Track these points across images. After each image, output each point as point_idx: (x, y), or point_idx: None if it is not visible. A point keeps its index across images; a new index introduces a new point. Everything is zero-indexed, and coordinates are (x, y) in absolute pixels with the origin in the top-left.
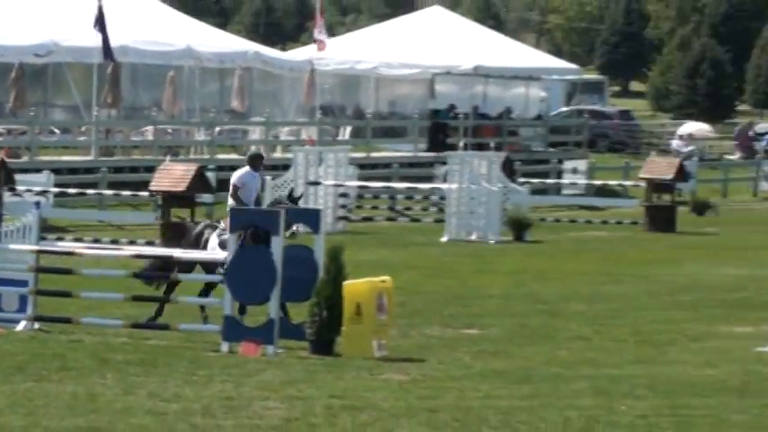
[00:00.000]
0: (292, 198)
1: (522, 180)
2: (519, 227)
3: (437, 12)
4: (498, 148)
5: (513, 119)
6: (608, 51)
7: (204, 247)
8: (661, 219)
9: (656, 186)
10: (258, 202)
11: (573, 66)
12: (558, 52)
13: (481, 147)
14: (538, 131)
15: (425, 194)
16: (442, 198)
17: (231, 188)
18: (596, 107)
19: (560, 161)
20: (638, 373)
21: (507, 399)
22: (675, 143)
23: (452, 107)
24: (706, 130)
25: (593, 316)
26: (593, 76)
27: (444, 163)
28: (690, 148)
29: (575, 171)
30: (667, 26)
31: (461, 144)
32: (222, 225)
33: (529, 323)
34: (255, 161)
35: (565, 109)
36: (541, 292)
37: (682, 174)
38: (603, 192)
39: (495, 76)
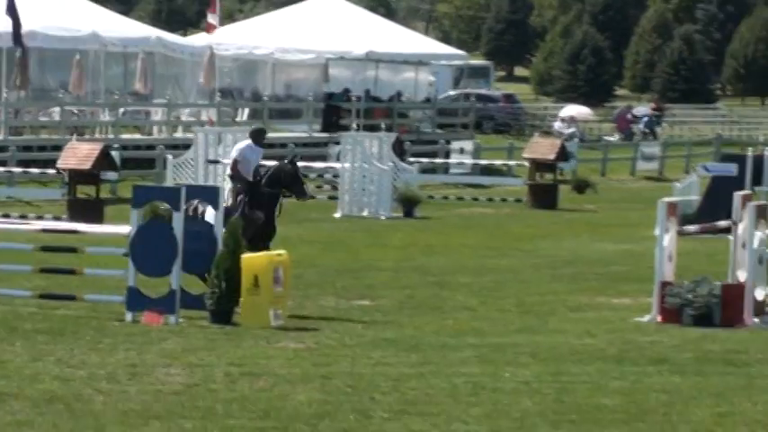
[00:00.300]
0: (293, 162)
1: (411, 159)
2: (409, 204)
3: (331, 0)
4: (389, 129)
5: (404, 102)
6: (494, 38)
7: (202, 219)
8: (543, 196)
9: (539, 166)
10: (257, 173)
11: (460, 52)
12: (446, 39)
13: (373, 128)
14: (427, 114)
15: (320, 173)
16: (336, 176)
17: (231, 162)
18: (482, 91)
19: (448, 142)
20: (522, 342)
21: (397, 366)
22: (557, 125)
23: (347, 91)
24: (586, 112)
25: (478, 288)
26: (479, 61)
27: (338, 143)
28: (571, 129)
29: (462, 151)
30: (550, 14)
31: (354, 125)
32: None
33: (418, 294)
34: (259, 136)
35: (452, 93)
36: (430, 265)
37: (563, 154)
38: (489, 171)
39: (387, 62)
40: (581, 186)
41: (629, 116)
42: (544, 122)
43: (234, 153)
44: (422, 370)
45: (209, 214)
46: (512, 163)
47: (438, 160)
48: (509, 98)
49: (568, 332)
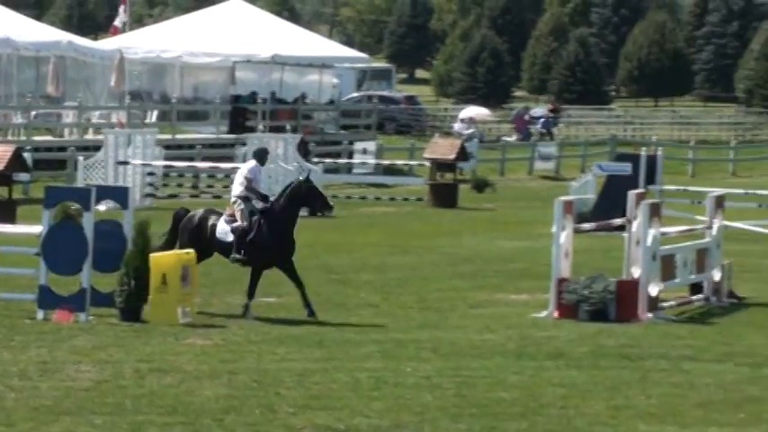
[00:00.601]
0: (308, 179)
1: (315, 160)
2: None
3: (237, 4)
4: (294, 130)
5: (308, 104)
6: (396, 42)
7: (212, 233)
8: (444, 195)
9: (440, 166)
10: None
11: (363, 55)
12: (349, 42)
13: (278, 129)
14: (330, 115)
15: (226, 173)
16: None
17: (245, 181)
18: (384, 93)
19: (351, 142)
20: (423, 338)
21: (302, 362)
22: (457, 126)
23: (254, 94)
24: (485, 113)
25: (381, 285)
26: (381, 64)
27: (244, 144)
28: (470, 130)
29: (365, 152)
30: (450, 19)
31: (260, 127)
32: (228, 211)
33: (322, 292)
34: (264, 156)
35: (355, 94)
36: (334, 263)
37: (463, 154)
38: (391, 171)
39: (292, 64)
40: (480, 185)
41: (526, 117)
42: (444, 123)
43: (246, 173)
44: (326, 365)
45: (222, 227)
46: (413, 163)
47: (341, 160)
48: (410, 100)
49: (468, 328)
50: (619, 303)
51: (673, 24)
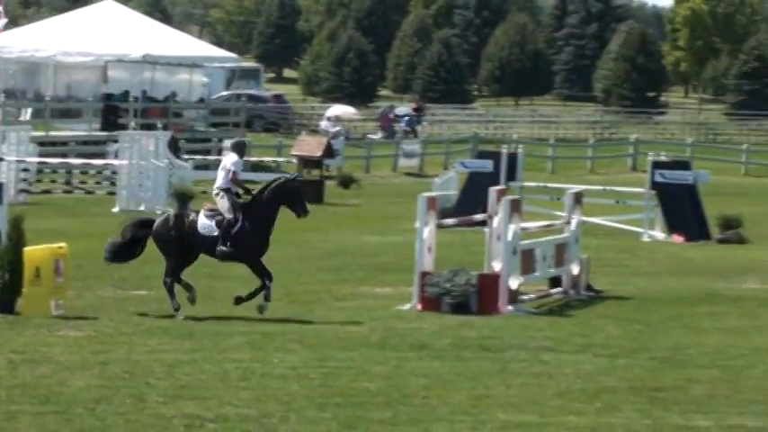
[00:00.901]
0: (296, 180)
1: (186, 156)
2: (183, 198)
3: (110, 5)
4: (165, 128)
5: (179, 102)
6: (264, 42)
7: (192, 230)
8: (311, 191)
9: (307, 162)
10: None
11: (232, 55)
12: (219, 42)
13: (149, 127)
14: (200, 113)
15: (99, 169)
16: (114, 173)
17: (232, 174)
18: (253, 92)
19: (221, 140)
20: (290, 330)
21: (172, 353)
22: (324, 124)
23: (126, 92)
24: (351, 112)
25: (249, 278)
26: (250, 64)
27: (116, 141)
28: (337, 128)
29: None
30: (317, 20)
31: (132, 124)
32: (208, 206)
33: (192, 284)
34: (242, 149)
35: (225, 93)
36: (203, 257)
37: (329, 151)
38: (259, 167)
39: (163, 64)
40: (346, 182)
41: (391, 115)
42: (311, 121)
43: (230, 166)
44: (195, 356)
45: (204, 222)
46: (281, 160)
47: (211, 157)
48: (278, 98)
49: (334, 320)
50: (480, 296)
51: (533, 26)
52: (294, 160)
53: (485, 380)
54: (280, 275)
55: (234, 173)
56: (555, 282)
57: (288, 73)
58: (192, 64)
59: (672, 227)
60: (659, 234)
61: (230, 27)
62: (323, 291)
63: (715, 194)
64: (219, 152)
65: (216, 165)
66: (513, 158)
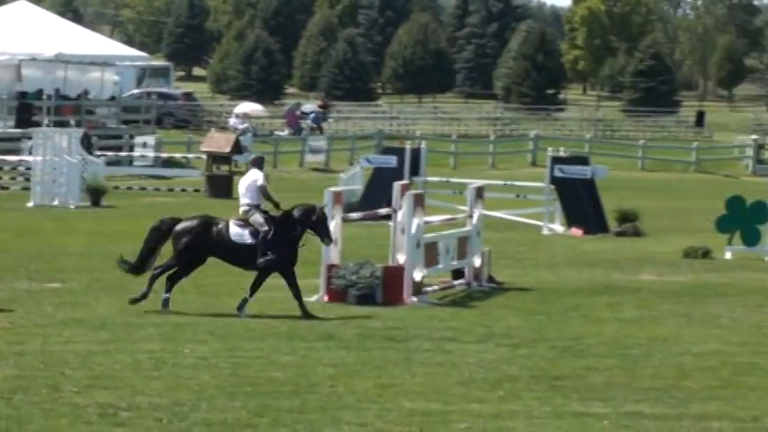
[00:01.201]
0: (323, 210)
1: (98, 153)
2: (96, 194)
3: (23, 5)
4: (78, 125)
5: (91, 100)
6: (174, 41)
7: (223, 238)
8: (219, 186)
9: (216, 158)
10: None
11: (143, 54)
12: (129, 42)
13: (62, 124)
14: (112, 111)
15: (13, 166)
16: (28, 169)
17: (261, 189)
18: (163, 89)
19: (132, 136)
20: (201, 321)
21: (86, 344)
22: (232, 121)
23: (41, 91)
24: (259, 109)
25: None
26: (160, 62)
27: (30, 138)
28: (245, 125)
29: (144, 145)
30: (225, 19)
31: (45, 121)
32: (238, 217)
33: (104, 277)
34: (261, 164)
35: (136, 91)
36: (116, 251)
37: (237, 147)
38: (170, 163)
39: (75, 63)
40: None
41: (297, 113)
42: (220, 119)
43: (262, 182)
44: (108, 347)
45: (236, 230)
46: (190, 156)
47: (123, 153)
48: (188, 96)
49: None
50: (385, 288)
51: (435, 25)
52: (203, 156)
53: (390, 369)
54: None
55: (265, 188)
56: (458, 274)
57: (197, 71)
58: (104, 63)
59: (571, 220)
60: (558, 227)
61: (141, 27)
62: (233, 283)
63: (612, 189)
64: (131, 149)
65: (128, 161)
66: (416, 154)
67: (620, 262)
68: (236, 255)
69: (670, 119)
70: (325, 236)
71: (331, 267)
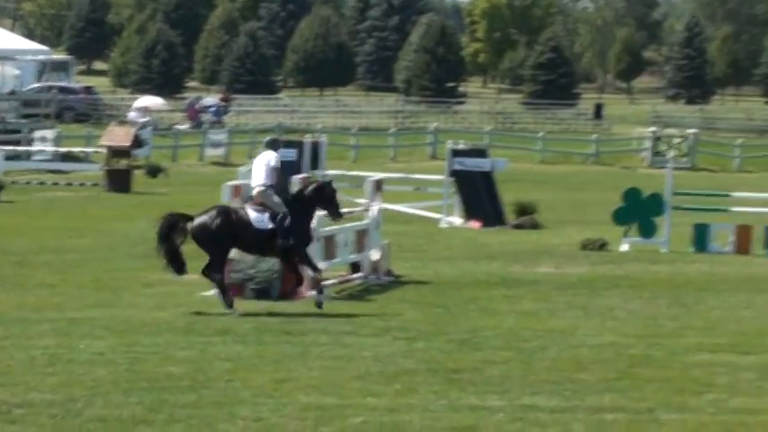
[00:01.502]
0: (330, 185)
1: None
2: None
3: None
4: None
5: None
6: (75, 35)
7: (243, 225)
8: (119, 181)
9: (115, 152)
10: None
11: (44, 47)
12: (30, 35)
13: None
14: (11, 104)
15: None
16: None
17: (274, 170)
18: (63, 83)
19: (31, 131)
20: (97, 316)
21: None
22: (132, 114)
23: None
24: (160, 103)
25: (59, 265)
26: (61, 56)
27: None
28: (145, 119)
29: (44, 139)
30: (127, 13)
31: None
32: (255, 201)
33: (1, 273)
34: (277, 145)
35: (36, 85)
36: (12, 246)
37: (137, 141)
38: (69, 157)
39: None
40: (154, 171)
41: (198, 106)
42: (121, 112)
43: (274, 162)
44: (3, 343)
45: (254, 215)
46: (90, 150)
47: (21, 148)
48: (88, 90)
49: (141, 306)
50: (283, 282)
51: (337, 19)
52: (103, 150)
53: (286, 363)
54: (88, 263)
55: (278, 169)
56: (355, 267)
57: (98, 65)
58: (4, 56)
59: (469, 213)
60: (457, 220)
61: (42, 20)
62: (130, 278)
63: (511, 181)
64: (30, 143)
65: (27, 155)
66: (316, 147)
67: (518, 254)
68: (260, 239)
69: (569, 111)
70: (335, 212)
71: (229, 261)
